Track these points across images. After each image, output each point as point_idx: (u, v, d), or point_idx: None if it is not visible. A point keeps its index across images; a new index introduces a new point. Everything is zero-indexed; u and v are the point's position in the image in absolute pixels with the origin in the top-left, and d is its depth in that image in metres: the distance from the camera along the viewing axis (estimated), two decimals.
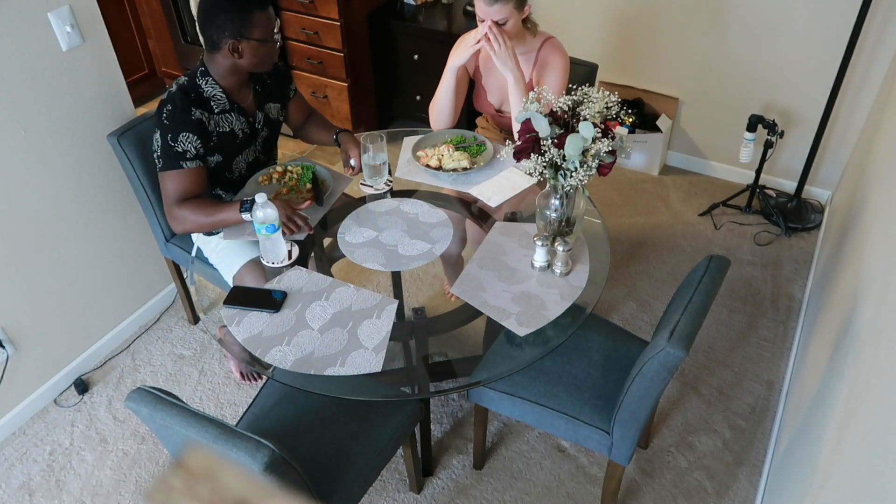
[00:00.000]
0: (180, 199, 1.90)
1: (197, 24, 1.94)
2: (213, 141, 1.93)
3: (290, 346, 1.61)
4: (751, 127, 2.92)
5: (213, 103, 1.93)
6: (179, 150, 1.85)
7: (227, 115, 1.96)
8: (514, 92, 2.10)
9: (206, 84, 1.92)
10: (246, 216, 1.84)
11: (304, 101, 2.27)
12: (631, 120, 3.32)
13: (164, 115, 1.86)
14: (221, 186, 2.09)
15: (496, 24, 2.04)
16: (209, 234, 2.08)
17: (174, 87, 1.90)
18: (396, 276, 2.04)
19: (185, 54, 3.94)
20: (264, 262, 1.85)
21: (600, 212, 2.07)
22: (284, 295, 1.73)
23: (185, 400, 1.80)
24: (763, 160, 3.01)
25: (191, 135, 1.86)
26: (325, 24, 3.24)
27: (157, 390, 1.35)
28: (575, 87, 1.75)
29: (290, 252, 1.86)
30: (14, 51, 1.97)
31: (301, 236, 1.91)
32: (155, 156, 1.90)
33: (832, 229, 2.69)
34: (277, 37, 1.92)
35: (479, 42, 2.07)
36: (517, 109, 2.09)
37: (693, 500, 2.09)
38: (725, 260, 1.70)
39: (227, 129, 1.97)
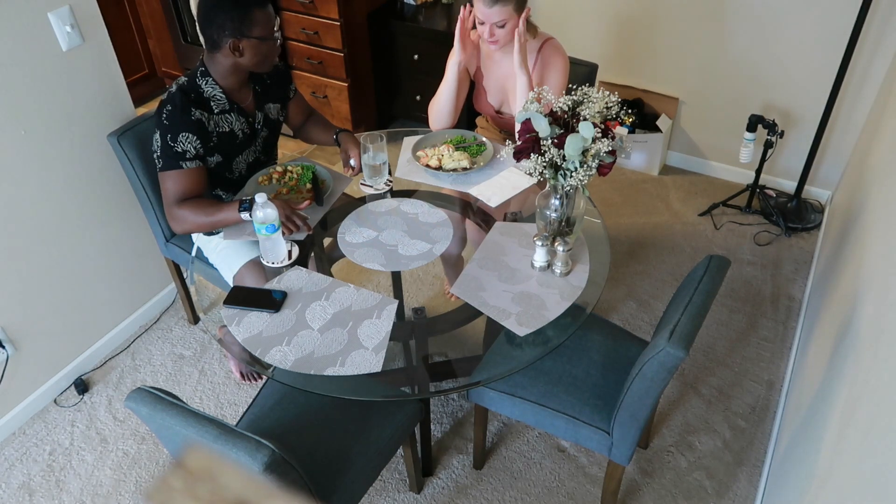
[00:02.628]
0: (180, 200, 1.90)
1: (197, 24, 1.94)
2: (212, 141, 1.93)
3: (290, 346, 1.61)
4: (751, 127, 2.92)
5: (212, 103, 1.93)
6: (179, 150, 1.86)
7: (226, 115, 1.96)
8: (524, 91, 2.11)
9: (206, 84, 1.92)
10: (245, 216, 1.84)
11: (304, 102, 2.27)
12: (631, 120, 3.32)
13: (164, 115, 1.86)
14: (221, 187, 2.09)
15: (498, 26, 2.05)
16: (209, 233, 2.08)
17: (174, 88, 1.90)
18: (396, 276, 2.04)
19: (185, 54, 3.94)
20: (264, 262, 1.85)
21: (600, 212, 2.07)
22: (284, 295, 1.73)
23: (185, 400, 1.80)
24: (763, 160, 3.02)
25: (190, 135, 1.86)
26: (325, 24, 3.24)
27: (157, 390, 1.35)
28: (575, 87, 1.75)
29: (290, 252, 1.86)
30: (14, 51, 1.97)
31: (301, 236, 1.91)
32: (155, 156, 1.90)
33: (832, 229, 2.69)
34: (278, 34, 1.92)
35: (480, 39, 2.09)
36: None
37: (693, 500, 2.09)
38: (725, 260, 1.70)
39: (227, 130, 1.97)
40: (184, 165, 1.87)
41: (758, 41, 2.98)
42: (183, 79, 1.93)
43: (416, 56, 3.38)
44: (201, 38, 1.92)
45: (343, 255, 1.87)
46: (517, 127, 1.75)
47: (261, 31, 1.85)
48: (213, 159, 1.96)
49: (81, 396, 2.44)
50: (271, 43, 1.90)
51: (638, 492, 2.11)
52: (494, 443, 2.25)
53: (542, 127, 1.64)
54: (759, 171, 3.08)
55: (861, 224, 2.01)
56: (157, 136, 1.88)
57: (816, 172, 3.17)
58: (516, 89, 2.15)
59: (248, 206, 1.84)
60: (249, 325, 1.66)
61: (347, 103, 3.48)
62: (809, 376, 1.95)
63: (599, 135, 1.61)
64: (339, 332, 1.64)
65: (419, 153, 2.19)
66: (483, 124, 2.56)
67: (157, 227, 2.35)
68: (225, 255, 2.02)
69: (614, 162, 1.66)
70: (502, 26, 2.06)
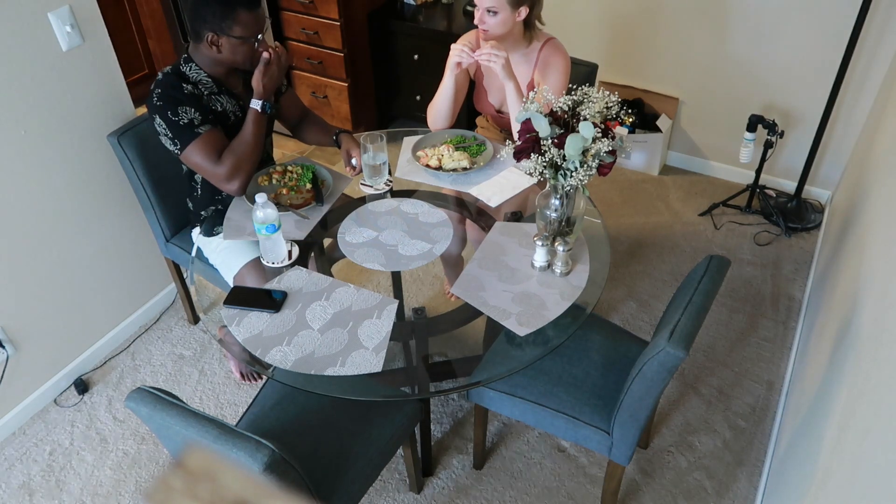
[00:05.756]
0: (217, 159, 1.88)
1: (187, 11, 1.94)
2: (210, 116, 1.91)
3: (291, 346, 1.61)
4: (751, 127, 2.92)
5: (200, 87, 1.93)
6: (186, 120, 1.84)
7: (216, 96, 1.95)
8: (515, 100, 2.10)
9: (190, 70, 1.92)
10: (255, 104, 1.89)
11: (298, 99, 2.26)
12: (631, 120, 3.32)
13: (156, 97, 1.85)
14: None
15: (489, 12, 2.04)
16: (209, 234, 2.08)
17: (160, 75, 1.91)
18: (396, 276, 2.04)
19: None
20: (264, 262, 1.85)
21: (600, 212, 2.07)
22: (284, 295, 1.73)
23: (185, 400, 1.80)
24: (763, 160, 3.02)
25: (187, 107, 1.85)
26: (325, 24, 3.24)
27: (157, 390, 1.35)
28: (575, 87, 1.75)
29: (290, 252, 1.86)
30: (14, 51, 1.97)
31: (301, 236, 1.91)
32: (167, 140, 1.88)
33: (832, 229, 2.69)
34: (262, 39, 1.90)
35: (477, 53, 2.05)
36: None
37: (693, 500, 2.09)
38: (725, 260, 1.70)
39: (220, 110, 1.96)
40: (200, 131, 1.86)
41: (758, 41, 2.98)
42: (167, 67, 1.94)
43: (416, 56, 3.38)
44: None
45: (343, 255, 1.87)
46: (516, 127, 1.75)
47: (241, 31, 1.84)
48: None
49: (81, 396, 2.44)
50: (250, 46, 1.88)
51: (638, 492, 2.11)
52: (494, 443, 2.25)
53: (542, 127, 1.64)
54: (759, 171, 3.08)
55: (861, 224, 2.01)
56: (158, 119, 1.86)
57: (816, 172, 3.17)
58: (507, 98, 2.13)
59: (256, 100, 1.89)
60: (249, 325, 1.66)
61: (347, 103, 3.48)
62: (809, 376, 1.95)
63: (599, 135, 1.61)
64: (339, 332, 1.64)
65: (419, 153, 2.19)
66: (483, 124, 2.56)
67: (157, 227, 2.35)
68: (225, 256, 2.01)
69: (614, 162, 1.66)
70: (494, 14, 2.05)
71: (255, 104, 1.89)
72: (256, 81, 1.90)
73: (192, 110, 1.85)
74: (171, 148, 1.89)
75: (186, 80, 1.90)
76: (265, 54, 1.89)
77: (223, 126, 1.97)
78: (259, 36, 1.88)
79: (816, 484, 1.38)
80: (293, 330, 1.64)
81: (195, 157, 1.87)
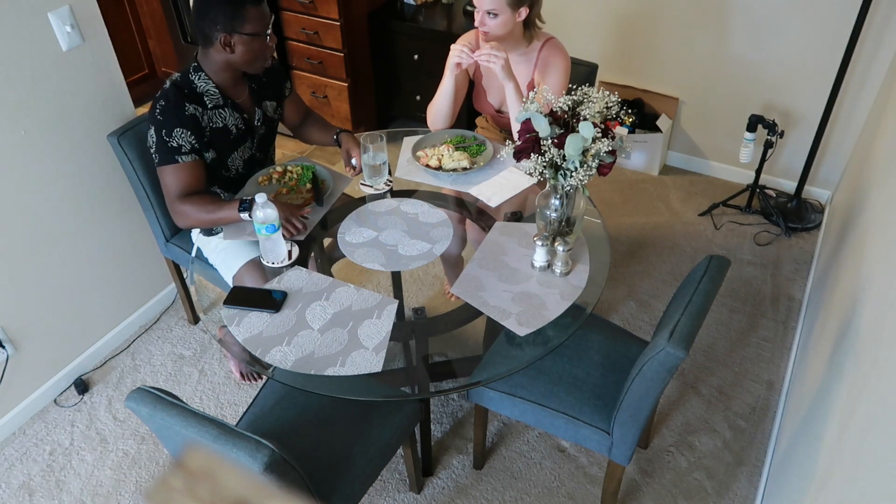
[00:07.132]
0: (182, 194, 1.90)
1: (191, 18, 1.94)
2: (206, 136, 1.93)
3: (291, 346, 1.61)
4: (751, 127, 2.92)
5: (206, 98, 1.93)
6: (174, 144, 1.86)
7: (220, 110, 1.96)
8: (515, 100, 2.10)
9: (198, 79, 1.92)
10: (244, 216, 1.84)
11: (301, 101, 2.27)
12: (631, 120, 3.32)
13: (158, 110, 1.86)
14: (219, 185, 2.09)
15: (490, 15, 2.04)
16: (209, 234, 2.08)
17: (168, 84, 1.91)
18: (396, 276, 2.04)
19: (185, 54, 3.94)
20: (264, 262, 1.85)
21: (600, 212, 2.07)
22: (284, 295, 1.73)
23: (185, 400, 1.80)
24: (763, 160, 3.02)
25: (184, 130, 1.86)
26: (325, 24, 3.24)
27: (157, 390, 1.35)
28: (575, 87, 1.75)
29: (290, 252, 1.86)
30: (14, 51, 1.97)
31: (301, 236, 1.91)
32: (151, 151, 1.91)
33: (832, 229, 2.69)
34: (271, 33, 1.91)
35: (475, 54, 2.05)
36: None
37: (693, 500, 2.09)
38: (725, 260, 1.70)
39: (221, 125, 1.96)
40: (180, 160, 1.87)
41: (758, 41, 2.98)
42: (176, 75, 1.94)
43: (416, 56, 3.38)
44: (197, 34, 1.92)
45: (343, 255, 1.87)
46: (516, 127, 1.75)
47: (252, 27, 1.85)
48: (208, 155, 1.96)
49: (81, 396, 2.44)
50: (262, 40, 1.89)
51: (638, 492, 2.11)
52: (494, 443, 2.25)
53: (542, 127, 1.64)
54: (759, 171, 3.08)
55: (861, 224, 2.01)
56: (152, 131, 1.88)
57: (816, 172, 3.17)
58: (506, 99, 2.13)
59: (247, 206, 1.84)
60: (249, 325, 1.66)
61: (347, 103, 3.48)
62: (809, 376, 1.95)
63: (599, 135, 1.61)
64: (339, 332, 1.64)
65: (419, 153, 2.19)
66: (483, 124, 2.56)
67: (157, 227, 2.35)
68: (224, 256, 2.01)
69: (614, 162, 1.66)
70: (494, 16, 2.04)
71: (244, 213, 1.85)
72: (280, 212, 1.85)
73: (188, 134, 1.86)
74: (152, 156, 1.93)
75: (193, 94, 1.90)
76: (295, 229, 1.89)
77: (223, 140, 1.98)
78: (268, 31, 1.89)
79: (816, 484, 1.38)
80: (293, 330, 1.64)
81: (166, 178, 1.90)
